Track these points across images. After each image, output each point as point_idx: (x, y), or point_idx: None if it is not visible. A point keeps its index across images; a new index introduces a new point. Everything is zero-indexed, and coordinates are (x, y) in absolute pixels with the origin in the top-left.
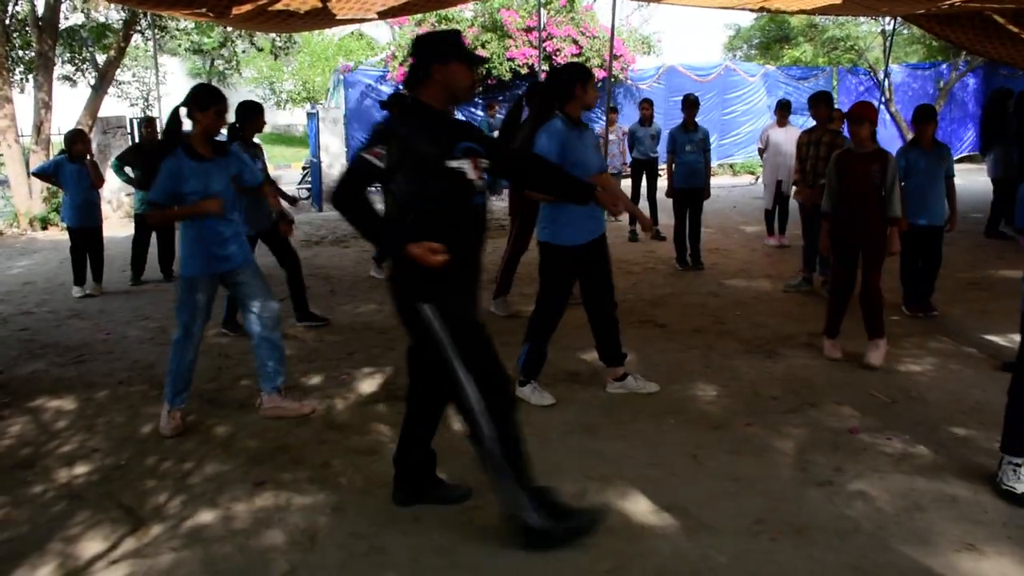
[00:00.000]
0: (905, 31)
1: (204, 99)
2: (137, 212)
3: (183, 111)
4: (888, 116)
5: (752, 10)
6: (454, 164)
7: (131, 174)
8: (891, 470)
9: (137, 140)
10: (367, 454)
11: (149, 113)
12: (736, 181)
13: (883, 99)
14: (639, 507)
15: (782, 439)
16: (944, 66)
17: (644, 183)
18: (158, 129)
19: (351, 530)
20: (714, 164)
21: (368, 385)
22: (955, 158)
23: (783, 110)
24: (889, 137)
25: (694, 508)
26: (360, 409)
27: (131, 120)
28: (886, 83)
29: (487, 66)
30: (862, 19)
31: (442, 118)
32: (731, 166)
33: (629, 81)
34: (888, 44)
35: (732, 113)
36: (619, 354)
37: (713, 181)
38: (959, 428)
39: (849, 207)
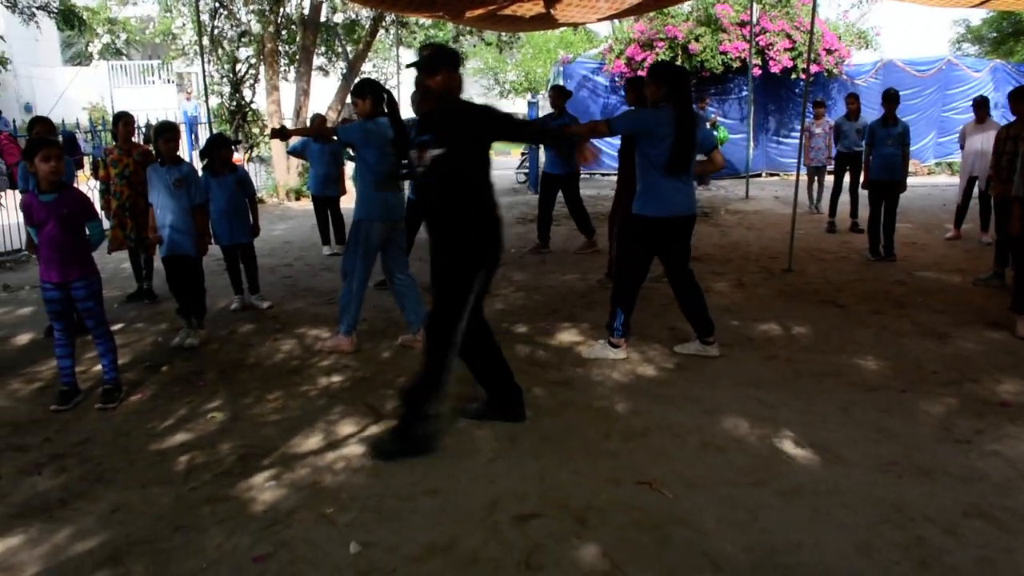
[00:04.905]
0: None
1: None
2: (314, 194)
3: None
4: None
5: (971, 7)
6: None
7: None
8: None
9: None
10: (561, 384)
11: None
12: (953, 181)
13: None
14: (787, 442)
15: (932, 404)
16: None
17: (848, 176)
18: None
19: (543, 435)
20: (931, 162)
21: (567, 335)
22: None
23: (980, 107)
24: None
25: (835, 448)
26: (558, 352)
27: None
28: None
29: (699, 59)
30: None
31: None
32: (949, 165)
33: (844, 76)
34: None
35: (953, 110)
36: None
37: (929, 180)
38: None
39: None
